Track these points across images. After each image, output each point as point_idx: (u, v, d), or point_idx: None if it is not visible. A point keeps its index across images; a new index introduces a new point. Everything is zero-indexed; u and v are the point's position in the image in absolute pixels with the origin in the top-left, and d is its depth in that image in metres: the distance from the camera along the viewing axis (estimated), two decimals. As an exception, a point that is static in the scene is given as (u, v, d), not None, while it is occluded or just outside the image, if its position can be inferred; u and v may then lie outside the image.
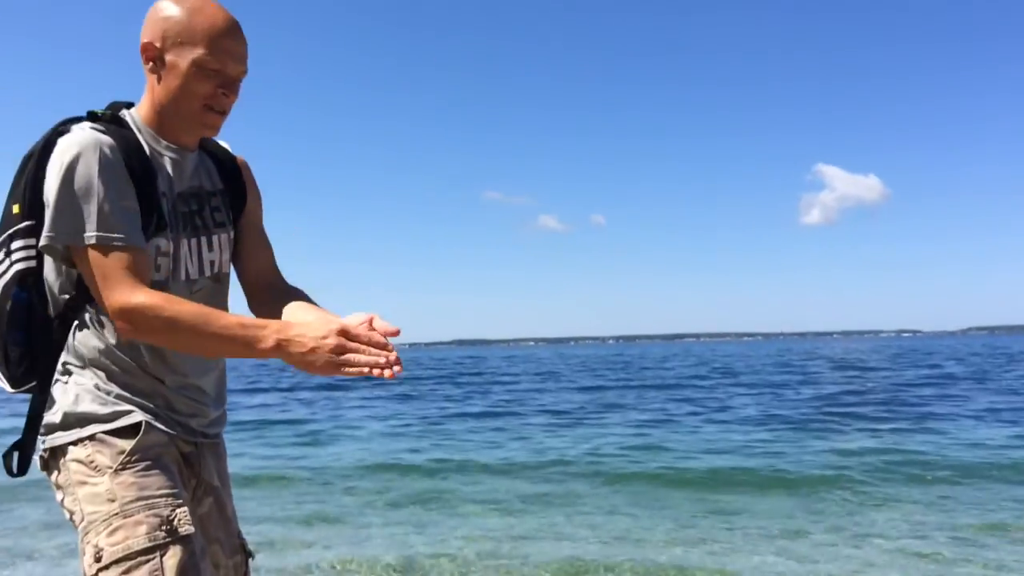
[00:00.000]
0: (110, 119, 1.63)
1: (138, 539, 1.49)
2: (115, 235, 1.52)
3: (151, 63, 1.62)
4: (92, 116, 1.64)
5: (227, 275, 1.80)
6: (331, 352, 1.39)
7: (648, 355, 71.11)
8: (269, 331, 1.44)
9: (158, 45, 1.60)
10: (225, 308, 1.77)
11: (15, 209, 1.61)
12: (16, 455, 1.64)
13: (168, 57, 1.60)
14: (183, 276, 1.68)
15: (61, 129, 1.62)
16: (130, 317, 1.49)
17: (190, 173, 1.72)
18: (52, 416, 1.62)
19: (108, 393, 1.61)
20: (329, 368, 1.39)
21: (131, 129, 1.64)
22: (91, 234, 1.51)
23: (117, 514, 1.51)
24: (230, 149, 1.86)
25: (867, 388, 21.21)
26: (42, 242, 1.53)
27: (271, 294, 1.80)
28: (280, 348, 1.42)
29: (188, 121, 1.64)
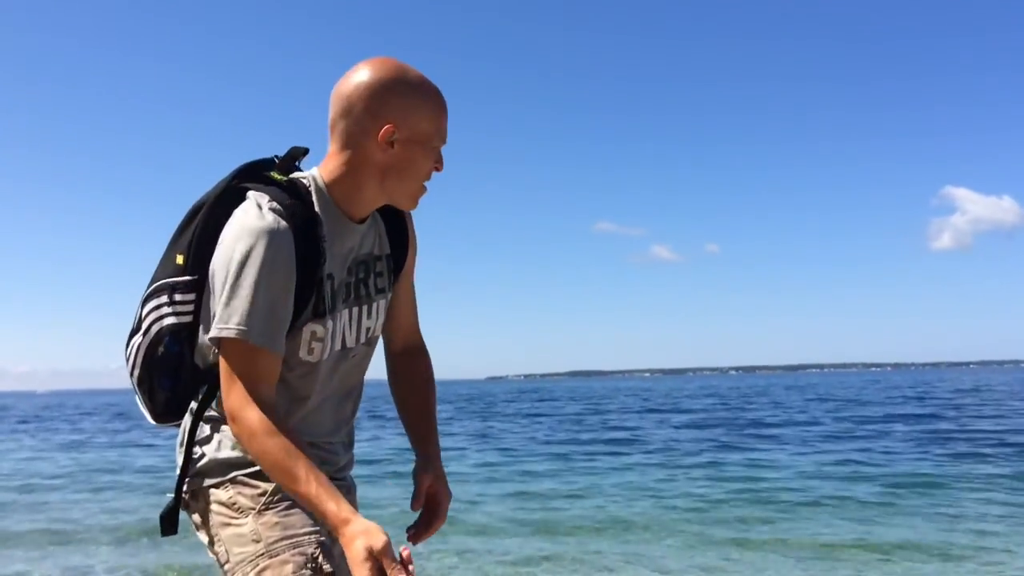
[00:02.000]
0: (287, 186, 1.62)
1: None
2: (254, 335, 1.51)
3: (382, 140, 1.59)
4: (271, 177, 1.64)
5: (378, 337, 1.84)
6: (369, 572, 1.40)
7: (810, 385, 68.11)
8: (334, 519, 1.45)
9: (395, 126, 1.59)
10: (369, 363, 1.84)
11: (179, 260, 1.64)
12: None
13: (400, 136, 1.60)
14: (339, 346, 1.70)
15: (238, 187, 1.63)
16: (234, 425, 1.54)
17: (360, 239, 1.72)
18: (196, 462, 1.66)
19: None
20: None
21: (311, 199, 1.63)
22: (233, 327, 1.51)
23: (263, 554, 1.55)
24: None
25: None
26: (212, 334, 1.53)
27: (403, 360, 1.93)
28: (337, 536, 1.46)
29: (403, 197, 1.67)
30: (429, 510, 1.80)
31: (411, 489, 1.81)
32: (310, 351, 1.64)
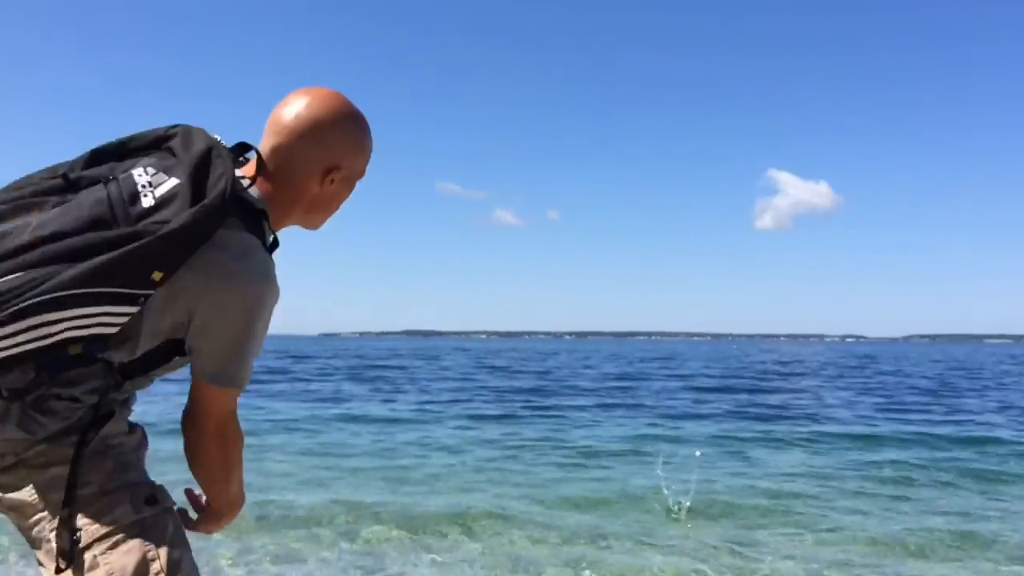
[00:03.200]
0: (259, 217, 1.60)
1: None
2: (246, 384, 1.61)
3: (326, 178, 1.65)
4: (250, 199, 1.58)
5: None
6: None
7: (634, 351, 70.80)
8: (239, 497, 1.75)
9: (341, 166, 1.66)
10: None
11: (156, 276, 1.41)
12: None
13: (340, 175, 1.67)
14: None
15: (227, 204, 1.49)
16: (232, 440, 1.64)
17: None
18: (84, 487, 1.52)
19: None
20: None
21: (269, 237, 1.64)
22: (242, 382, 1.57)
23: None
24: None
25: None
26: (225, 384, 1.55)
27: None
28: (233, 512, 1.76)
29: (317, 225, 1.75)
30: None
31: None
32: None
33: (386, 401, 18.32)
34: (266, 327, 1.56)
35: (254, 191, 1.59)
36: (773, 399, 20.04)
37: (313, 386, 22.84)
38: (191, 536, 1.66)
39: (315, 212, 1.70)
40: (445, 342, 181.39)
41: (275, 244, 1.66)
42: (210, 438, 1.60)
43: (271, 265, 1.54)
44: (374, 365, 37.41)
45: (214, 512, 1.71)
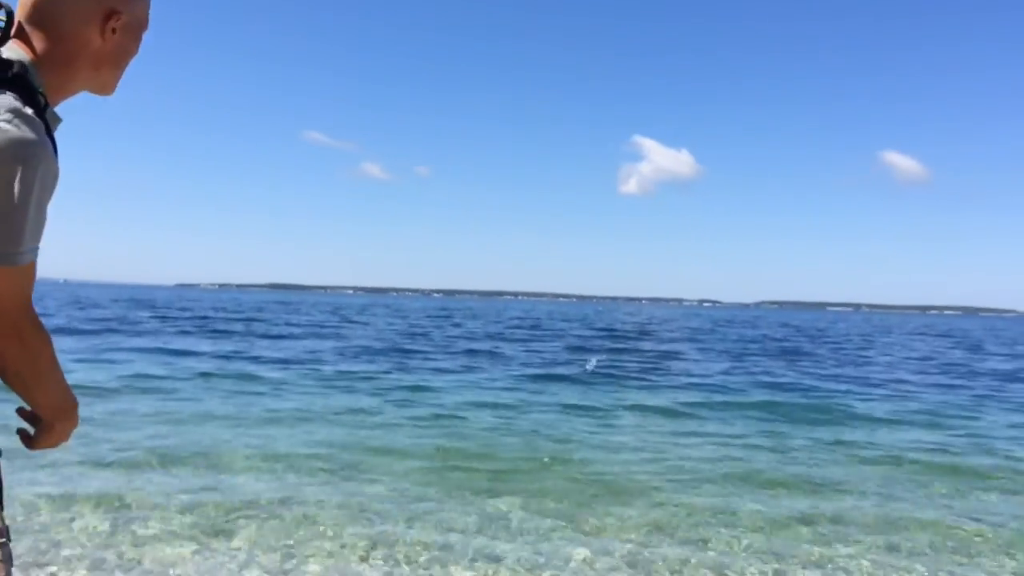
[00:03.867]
0: (20, 81, 1.42)
1: None
2: (32, 254, 1.43)
3: (106, 25, 1.51)
4: (4, 62, 1.42)
5: None
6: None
7: (502, 311, 69.97)
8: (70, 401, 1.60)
9: (118, 7, 1.53)
10: None
11: None
12: None
13: (123, 19, 1.54)
14: None
15: None
16: (24, 320, 1.45)
17: None
18: None
19: None
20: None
21: (40, 101, 1.45)
22: (15, 252, 1.38)
23: None
24: None
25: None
26: (17, 260, 1.38)
27: None
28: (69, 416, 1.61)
29: (111, 85, 1.61)
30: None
31: None
32: None
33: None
34: (38, 193, 1.38)
35: (11, 52, 1.45)
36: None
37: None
38: None
39: (104, 69, 1.56)
40: (310, 296, 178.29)
41: (48, 115, 1.46)
42: (5, 339, 1.42)
43: (33, 124, 1.37)
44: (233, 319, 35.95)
45: (45, 424, 1.57)
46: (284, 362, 16.49)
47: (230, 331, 26.62)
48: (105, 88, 1.61)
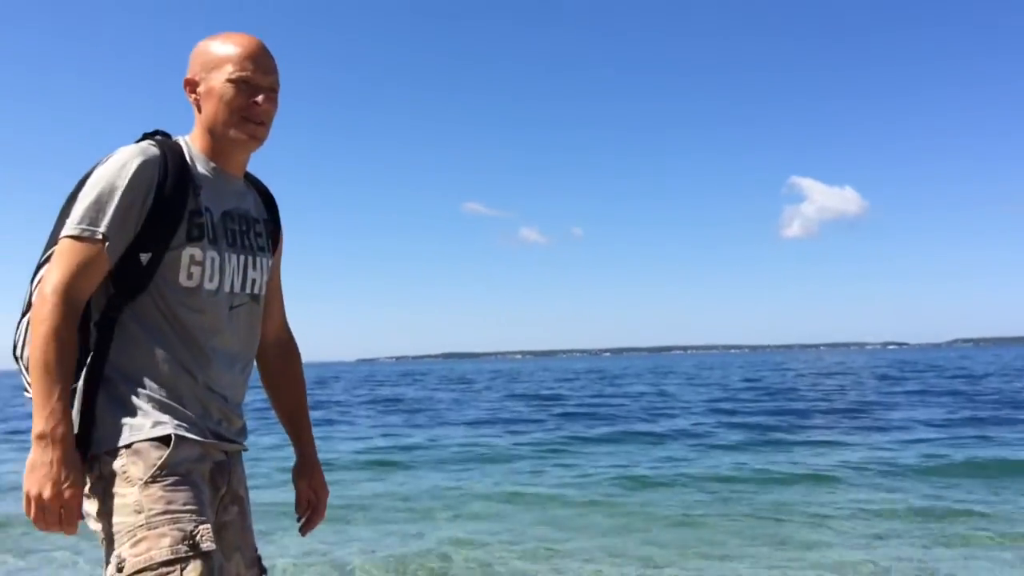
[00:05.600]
0: (163, 135, 1.77)
1: (161, 551, 1.53)
2: (94, 228, 1.61)
3: (193, 95, 1.77)
4: (144, 136, 1.77)
5: (264, 297, 1.91)
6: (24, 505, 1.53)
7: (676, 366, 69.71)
8: (38, 430, 1.53)
9: (196, 78, 1.77)
10: (258, 333, 1.91)
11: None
12: None
13: (204, 85, 1.75)
14: (226, 288, 1.77)
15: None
16: (35, 307, 1.58)
17: (238, 196, 1.84)
18: (90, 425, 1.63)
19: (146, 401, 1.66)
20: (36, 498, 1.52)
21: (181, 148, 1.75)
22: (71, 228, 1.61)
23: (142, 526, 1.55)
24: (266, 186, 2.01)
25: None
26: (70, 232, 1.60)
27: (275, 354, 2.06)
28: (35, 446, 1.53)
29: (232, 137, 1.76)
30: (312, 509, 2.02)
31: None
32: (189, 275, 1.70)
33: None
34: (112, 176, 1.64)
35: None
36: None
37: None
38: None
39: (211, 122, 1.76)
40: (482, 364, 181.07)
41: (195, 159, 1.77)
42: (31, 320, 1.61)
43: (139, 146, 1.71)
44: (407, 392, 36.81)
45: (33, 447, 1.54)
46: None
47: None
48: (229, 142, 1.78)
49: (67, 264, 1.58)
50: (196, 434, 1.68)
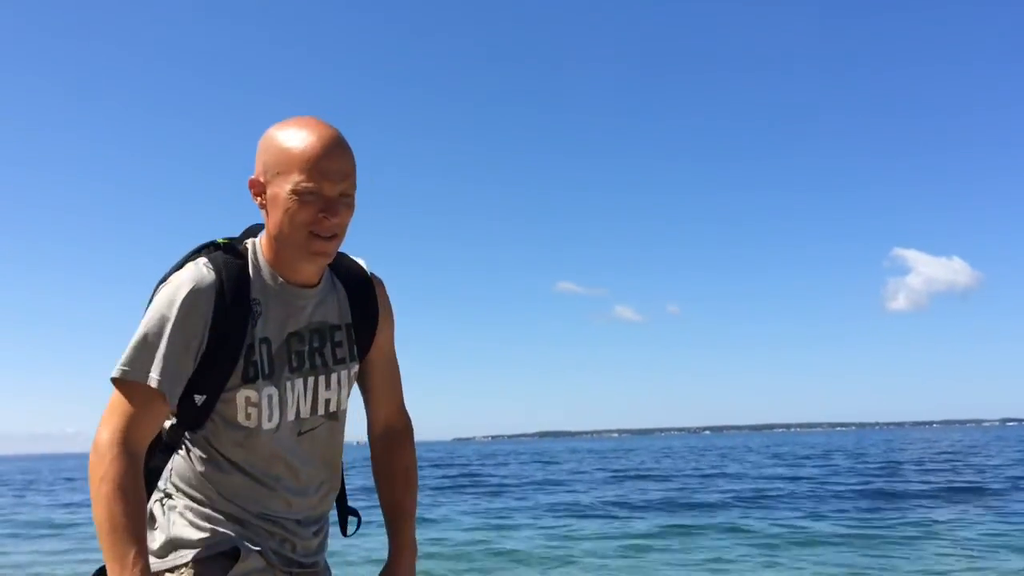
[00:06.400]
0: (228, 248, 1.64)
1: None
2: (134, 373, 1.50)
3: (259, 198, 1.60)
4: (216, 245, 1.65)
5: (345, 411, 1.77)
6: None
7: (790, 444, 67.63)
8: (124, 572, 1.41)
9: (262, 180, 1.59)
10: (341, 444, 1.78)
11: None
12: None
13: (270, 190, 1.57)
14: (290, 418, 1.65)
15: (188, 258, 1.64)
16: (92, 454, 1.48)
17: (311, 310, 1.67)
18: (151, 540, 1.58)
19: (203, 517, 1.60)
20: None
21: (247, 262, 1.62)
22: (118, 368, 1.51)
23: None
24: (365, 266, 1.80)
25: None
26: (115, 374, 1.52)
27: (383, 445, 1.88)
28: None
29: (298, 251, 1.58)
30: None
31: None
32: (247, 416, 1.61)
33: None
34: (157, 320, 1.52)
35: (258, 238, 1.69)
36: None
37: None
38: None
39: (275, 235, 1.60)
40: (578, 443, 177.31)
41: (264, 275, 1.63)
42: (90, 478, 1.48)
43: (195, 268, 1.57)
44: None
45: None
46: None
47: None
48: (296, 259, 1.60)
49: (121, 413, 1.48)
50: (260, 548, 1.61)
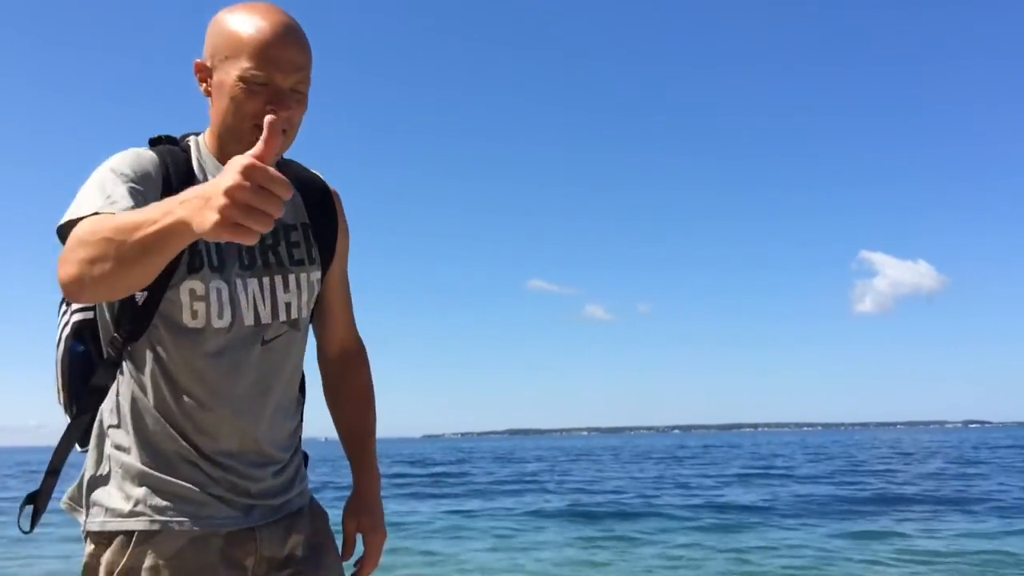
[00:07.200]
0: (165, 140, 1.52)
1: None
2: (93, 209, 1.29)
3: (204, 84, 1.47)
4: (154, 140, 1.53)
5: (307, 322, 1.60)
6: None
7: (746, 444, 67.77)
8: (176, 218, 1.10)
9: (209, 64, 1.45)
10: (300, 367, 1.63)
11: None
12: (30, 508, 1.48)
13: (216, 76, 1.44)
14: (248, 321, 1.48)
15: None
16: (61, 269, 1.24)
17: None
18: (80, 481, 1.50)
19: (137, 477, 1.44)
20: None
21: (190, 156, 1.50)
22: (67, 216, 1.31)
23: None
24: (322, 178, 1.67)
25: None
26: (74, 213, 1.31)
27: (338, 368, 1.76)
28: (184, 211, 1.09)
29: (243, 144, 1.34)
30: (364, 556, 1.71)
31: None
32: (193, 315, 1.44)
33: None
34: (100, 172, 1.38)
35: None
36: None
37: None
38: None
39: (221, 128, 1.46)
40: (548, 441, 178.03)
41: (204, 161, 1.50)
42: (61, 273, 1.24)
43: (136, 150, 1.46)
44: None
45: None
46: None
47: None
48: (231, 146, 1.44)
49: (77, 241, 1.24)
50: (187, 518, 1.44)
